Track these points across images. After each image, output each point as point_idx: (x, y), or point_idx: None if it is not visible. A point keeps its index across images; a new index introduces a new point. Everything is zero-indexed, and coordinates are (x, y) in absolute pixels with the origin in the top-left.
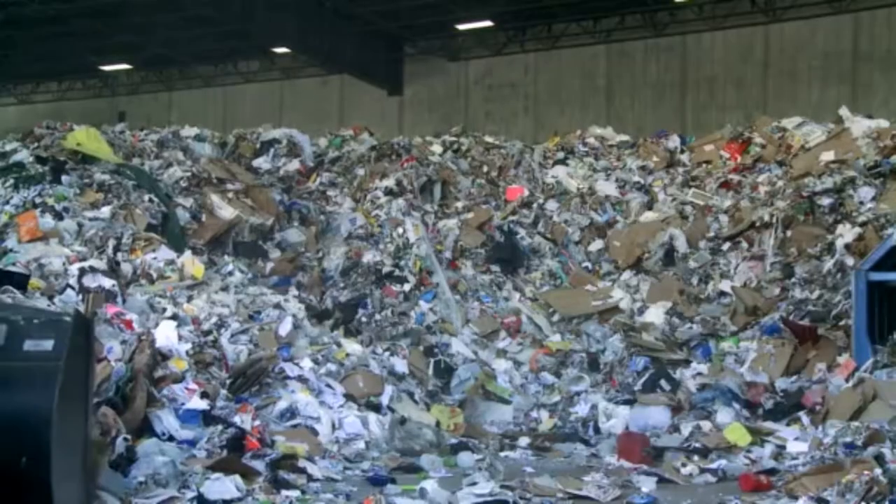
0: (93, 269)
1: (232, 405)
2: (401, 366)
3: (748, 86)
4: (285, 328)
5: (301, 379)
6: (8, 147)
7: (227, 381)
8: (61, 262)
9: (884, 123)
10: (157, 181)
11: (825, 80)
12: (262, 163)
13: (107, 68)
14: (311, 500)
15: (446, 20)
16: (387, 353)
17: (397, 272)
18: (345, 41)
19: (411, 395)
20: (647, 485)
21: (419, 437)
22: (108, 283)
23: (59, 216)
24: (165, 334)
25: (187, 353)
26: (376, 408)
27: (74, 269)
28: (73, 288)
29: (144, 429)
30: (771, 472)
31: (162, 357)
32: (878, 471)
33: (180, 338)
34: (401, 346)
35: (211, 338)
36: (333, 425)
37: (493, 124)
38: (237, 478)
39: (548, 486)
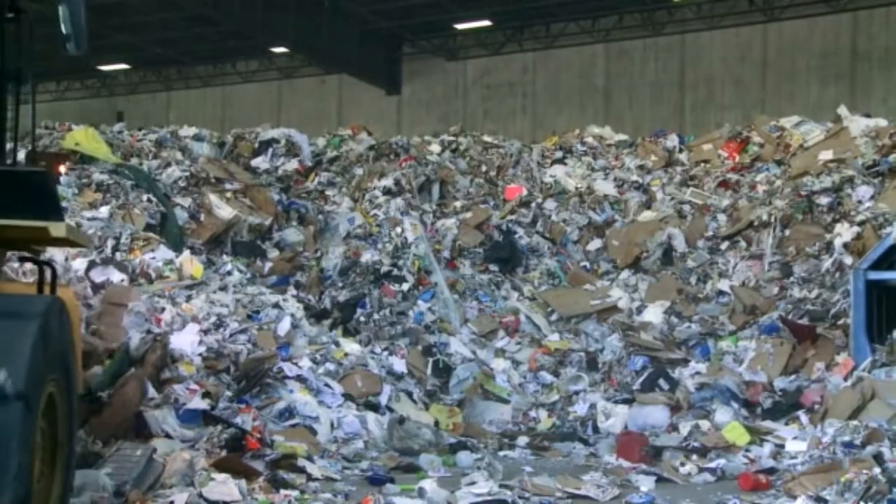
0: (104, 262)
1: (234, 405)
2: (399, 365)
3: (746, 85)
4: (284, 328)
5: (300, 378)
6: None
7: (236, 385)
8: (60, 262)
9: (882, 122)
10: (155, 181)
11: (823, 79)
12: (260, 162)
13: (105, 68)
14: (309, 499)
15: (445, 20)
16: (385, 353)
17: (396, 272)
18: (343, 41)
19: (410, 394)
20: (646, 484)
21: (418, 437)
22: (117, 276)
23: None
24: (189, 339)
25: (201, 356)
26: (375, 407)
27: (77, 264)
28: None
29: (140, 427)
30: (770, 471)
31: (172, 360)
32: (877, 470)
33: (201, 342)
34: (399, 346)
35: (226, 342)
36: (332, 425)
37: (492, 124)
38: (243, 482)
39: (547, 485)
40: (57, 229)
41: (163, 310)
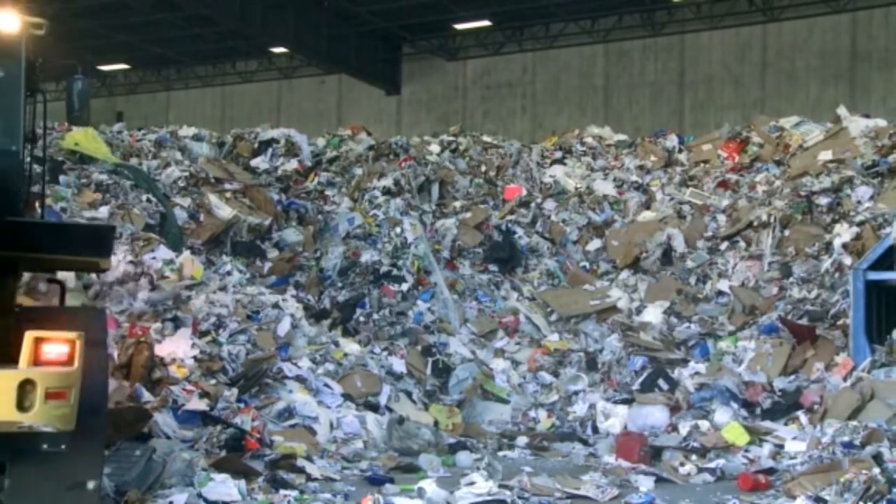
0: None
1: (234, 405)
2: (399, 365)
3: (746, 85)
4: (283, 328)
5: (299, 379)
6: None
7: (236, 386)
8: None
9: (881, 122)
10: (154, 181)
11: (823, 79)
12: (260, 162)
13: (105, 68)
14: (309, 499)
15: (444, 20)
16: (385, 353)
17: (395, 272)
18: (343, 41)
19: (409, 394)
20: (646, 484)
21: (417, 437)
22: None
23: (57, 216)
24: (179, 345)
25: (195, 358)
26: (374, 407)
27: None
28: None
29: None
30: (769, 471)
31: (161, 362)
32: (877, 470)
33: (193, 345)
34: (399, 346)
35: (218, 344)
36: (331, 425)
37: (491, 124)
38: (242, 482)
39: (546, 485)
40: (105, 263)
41: (163, 310)
